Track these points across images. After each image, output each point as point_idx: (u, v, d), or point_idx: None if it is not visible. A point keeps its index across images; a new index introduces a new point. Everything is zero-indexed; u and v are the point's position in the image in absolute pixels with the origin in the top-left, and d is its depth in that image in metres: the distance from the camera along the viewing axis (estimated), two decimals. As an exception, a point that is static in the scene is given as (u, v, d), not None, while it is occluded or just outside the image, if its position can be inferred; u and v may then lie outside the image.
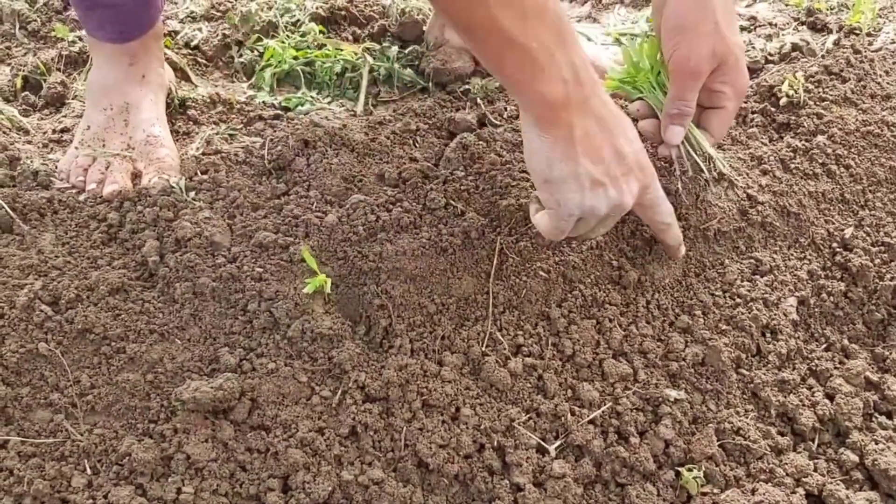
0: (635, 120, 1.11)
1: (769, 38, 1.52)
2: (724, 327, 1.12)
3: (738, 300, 1.15)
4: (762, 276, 1.17)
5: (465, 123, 1.32)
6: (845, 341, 1.16)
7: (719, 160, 1.14)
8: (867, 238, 1.21)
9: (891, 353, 1.14)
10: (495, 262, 1.13)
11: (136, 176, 1.26)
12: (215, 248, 1.12)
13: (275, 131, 1.31)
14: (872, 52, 1.43)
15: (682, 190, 1.15)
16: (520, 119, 1.05)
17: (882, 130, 1.27)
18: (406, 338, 1.09)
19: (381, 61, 1.52)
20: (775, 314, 1.14)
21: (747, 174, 1.23)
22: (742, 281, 1.17)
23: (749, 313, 1.13)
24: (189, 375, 1.03)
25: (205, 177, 1.22)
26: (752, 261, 1.18)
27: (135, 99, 1.32)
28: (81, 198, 1.21)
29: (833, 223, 1.22)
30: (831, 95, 1.32)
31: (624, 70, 1.16)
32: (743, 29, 1.62)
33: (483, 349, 1.09)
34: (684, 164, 1.14)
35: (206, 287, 1.08)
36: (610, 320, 1.12)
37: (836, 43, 1.45)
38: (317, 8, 1.64)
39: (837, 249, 1.20)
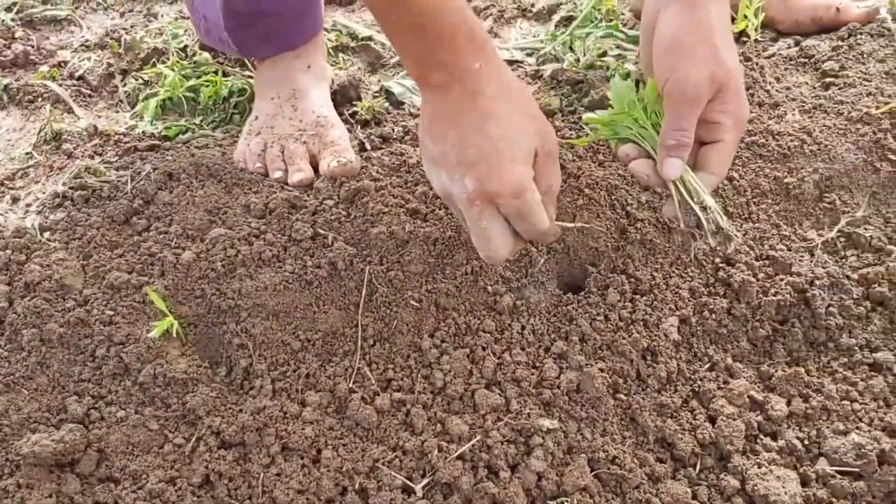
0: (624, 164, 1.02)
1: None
2: (602, 352, 1.09)
3: (620, 323, 1.12)
4: (642, 296, 1.13)
5: (341, 149, 1.28)
6: (729, 360, 1.12)
7: (717, 211, 0.98)
8: (751, 252, 1.18)
9: (776, 371, 1.11)
10: (364, 293, 1.09)
11: (313, 159, 1.26)
12: (66, 291, 1.07)
13: (144, 163, 1.27)
14: (765, 58, 1.40)
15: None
16: None
17: (767, 140, 1.24)
18: (267, 378, 1.04)
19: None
20: (655, 335, 1.11)
21: (627, 190, 1.20)
22: (623, 302, 1.13)
23: (629, 336, 1.10)
24: (35, 427, 0.98)
25: (63, 215, 1.17)
26: (633, 280, 1.15)
27: (302, 85, 1.33)
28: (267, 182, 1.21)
29: (716, 238, 1.19)
30: (716, 106, 1.29)
31: (608, 112, 1.05)
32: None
33: (350, 386, 1.04)
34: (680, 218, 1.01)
35: (54, 333, 1.03)
36: (483, 348, 1.08)
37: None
38: (205, 32, 1.59)
39: (720, 265, 1.17)
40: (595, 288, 1.14)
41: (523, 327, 1.10)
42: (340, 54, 1.62)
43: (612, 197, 1.19)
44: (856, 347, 1.12)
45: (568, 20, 1.69)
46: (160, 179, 1.19)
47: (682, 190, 0.98)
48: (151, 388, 1.01)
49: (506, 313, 1.11)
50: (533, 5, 1.78)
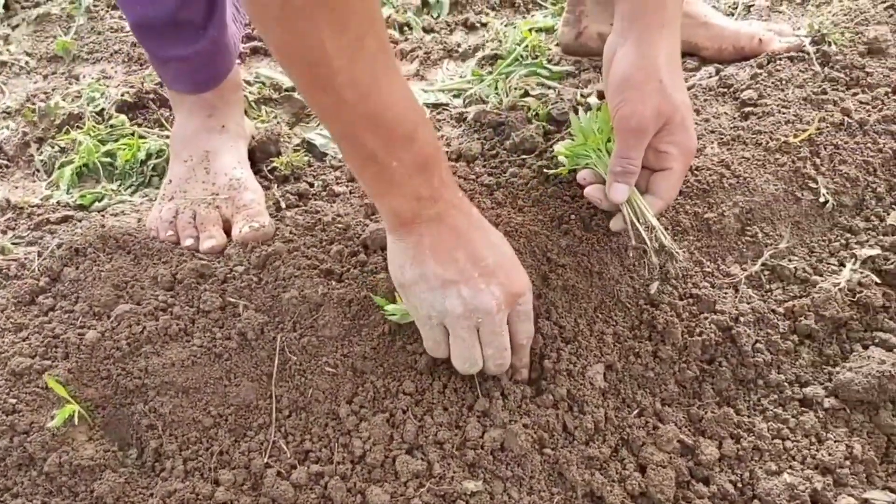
0: (581, 188, 1.11)
1: (585, 83, 1.48)
2: (527, 406, 1.06)
3: (544, 374, 1.09)
4: (567, 344, 1.11)
5: (256, 210, 1.25)
6: (658, 404, 1.10)
7: (660, 231, 1.07)
8: (674, 292, 1.16)
9: (706, 413, 1.08)
10: (276, 362, 1.06)
11: (226, 223, 1.22)
12: (-35, 381, 1.02)
13: (53, 238, 1.23)
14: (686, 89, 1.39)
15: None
16: None
17: (686, 176, 1.22)
18: (179, 458, 1.00)
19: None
20: (581, 384, 1.08)
21: (546, 236, 1.17)
22: (548, 351, 1.11)
23: (553, 387, 1.07)
24: (-64, 528, 0.94)
25: (-37, 299, 1.13)
26: (557, 328, 1.12)
27: (214, 146, 1.30)
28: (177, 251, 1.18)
29: (638, 279, 1.17)
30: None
31: (570, 143, 1.16)
32: (570, 75, 1.58)
33: (265, 460, 1.01)
34: (629, 235, 1.09)
35: (-48, 427, 0.98)
36: (403, 411, 1.05)
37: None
38: (122, 95, 1.56)
39: (644, 307, 1.15)
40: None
41: (445, 386, 1.07)
42: (263, 107, 1.60)
43: (532, 244, 1.17)
44: (785, 383, 1.11)
45: (494, 58, 1.68)
46: (66, 255, 1.16)
47: (629, 211, 1.07)
48: (58, 477, 0.97)
49: (426, 373, 1.08)
50: (459, 45, 1.77)
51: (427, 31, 1.89)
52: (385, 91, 0.85)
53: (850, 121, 1.27)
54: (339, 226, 1.19)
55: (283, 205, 1.27)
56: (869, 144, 1.26)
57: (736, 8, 1.69)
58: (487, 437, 1.02)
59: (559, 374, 1.08)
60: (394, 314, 1.05)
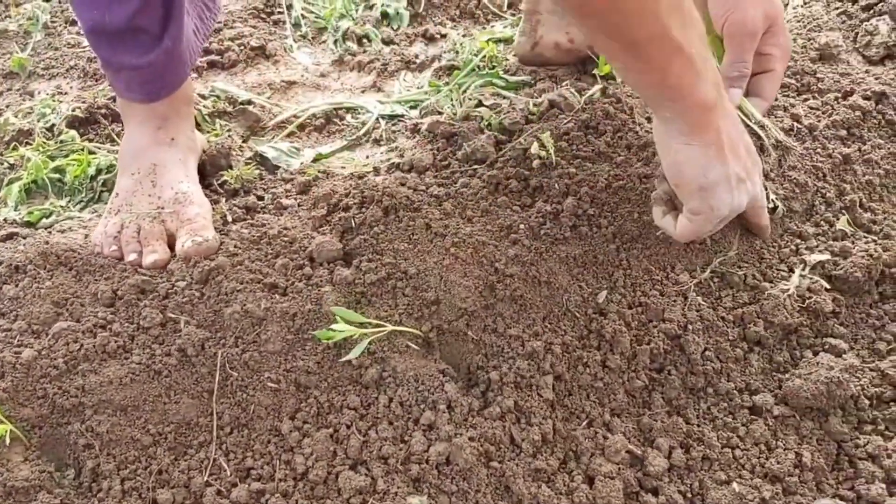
0: None
1: (539, 93, 1.48)
2: (473, 419, 1.04)
3: (490, 385, 1.08)
4: (515, 356, 1.09)
5: (202, 224, 1.23)
6: (607, 415, 1.08)
7: (774, 128, 1.15)
8: (623, 300, 1.15)
9: (656, 422, 1.07)
10: (217, 378, 1.04)
11: (171, 238, 1.21)
12: None
13: (-6, 257, 1.21)
14: (636, 98, 1.39)
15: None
16: (657, 135, 1.06)
17: (635, 184, 1.22)
18: (116, 478, 0.98)
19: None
20: (528, 396, 1.07)
21: (495, 246, 1.16)
22: (495, 363, 1.09)
23: (500, 399, 1.06)
24: None
25: None
26: (505, 339, 1.11)
27: (162, 159, 1.28)
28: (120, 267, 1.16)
29: (587, 288, 1.16)
30: (584, 152, 1.27)
31: None
32: (526, 85, 1.58)
33: (206, 479, 0.99)
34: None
35: None
36: (347, 426, 1.03)
37: (604, 92, 1.41)
38: (73, 110, 1.54)
39: (593, 316, 1.14)
40: (464, 352, 1.10)
41: (390, 399, 1.06)
42: (218, 120, 1.58)
43: (480, 254, 1.16)
44: (735, 391, 1.10)
45: (450, 69, 1.67)
46: (5, 273, 1.14)
47: (741, 114, 1.10)
48: (-10, 501, 0.95)
49: (371, 386, 1.06)
50: (417, 56, 1.77)
51: (387, 42, 1.88)
52: None
53: (799, 126, 1.27)
54: (285, 239, 1.17)
55: (230, 218, 1.25)
56: (819, 150, 1.26)
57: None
58: (433, 451, 1.00)
59: (506, 385, 1.07)
60: (331, 336, 1.03)
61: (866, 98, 1.32)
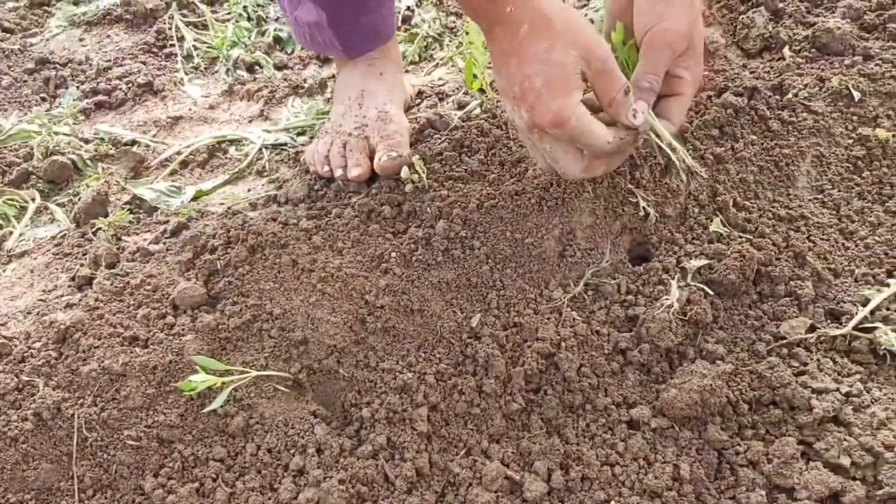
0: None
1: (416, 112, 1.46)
2: (344, 459, 1.02)
3: (363, 423, 1.05)
4: (388, 390, 1.07)
5: (66, 278, 1.20)
6: (485, 442, 1.06)
7: (683, 152, 1.09)
8: (497, 322, 1.13)
9: (534, 445, 1.05)
10: (76, 440, 1.01)
11: (373, 152, 1.30)
12: None
13: None
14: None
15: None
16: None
17: (507, 202, 1.20)
18: (-29, 555, 0.95)
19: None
20: (401, 430, 1.04)
21: (365, 277, 1.14)
22: (368, 399, 1.07)
23: (373, 436, 1.03)
24: None
25: None
26: (377, 374, 1.09)
27: (370, 87, 1.40)
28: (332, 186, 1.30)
29: (461, 312, 1.14)
30: (457, 172, 1.25)
31: None
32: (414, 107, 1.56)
33: (66, 547, 0.95)
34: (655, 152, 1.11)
35: None
36: (213, 479, 1.00)
37: (481, 106, 1.39)
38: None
39: (468, 340, 1.12)
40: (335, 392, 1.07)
41: (258, 447, 1.03)
42: (100, 164, 1.54)
43: (349, 287, 1.13)
44: (612, 406, 1.08)
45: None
46: None
47: (651, 134, 1.06)
48: None
49: (238, 435, 1.04)
50: (305, 81, 1.74)
51: (280, 68, 1.85)
52: None
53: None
54: (148, 287, 1.14)
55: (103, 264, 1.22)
56: (690, 151, 1.25)
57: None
58: (302, 498, 0.98)
59: (378, 422, 1.04)
60: (192, 386, 1.01)
61: (738, 94, 1.31)
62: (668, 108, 1.08)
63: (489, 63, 1.30)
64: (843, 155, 1.28)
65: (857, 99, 1.29)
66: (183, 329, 1.09)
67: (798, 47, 1.45)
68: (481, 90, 1.42)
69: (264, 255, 1.15)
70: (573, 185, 1.19)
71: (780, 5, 1.53)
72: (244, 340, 1.09)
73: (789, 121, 1.29)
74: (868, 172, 1.27)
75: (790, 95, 1.33)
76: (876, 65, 1.36)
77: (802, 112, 1.31)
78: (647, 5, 1.05)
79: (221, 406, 1.04)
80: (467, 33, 1.39)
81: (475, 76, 1.37)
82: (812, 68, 1.39)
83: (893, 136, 1.29)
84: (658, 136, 1.06)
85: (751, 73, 1.39)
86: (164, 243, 1.25)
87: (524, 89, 0.99)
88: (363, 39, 1.40)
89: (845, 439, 1.00)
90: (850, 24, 1.42)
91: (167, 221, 1.34)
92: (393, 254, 1.17)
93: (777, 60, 1.44)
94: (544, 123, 0.99)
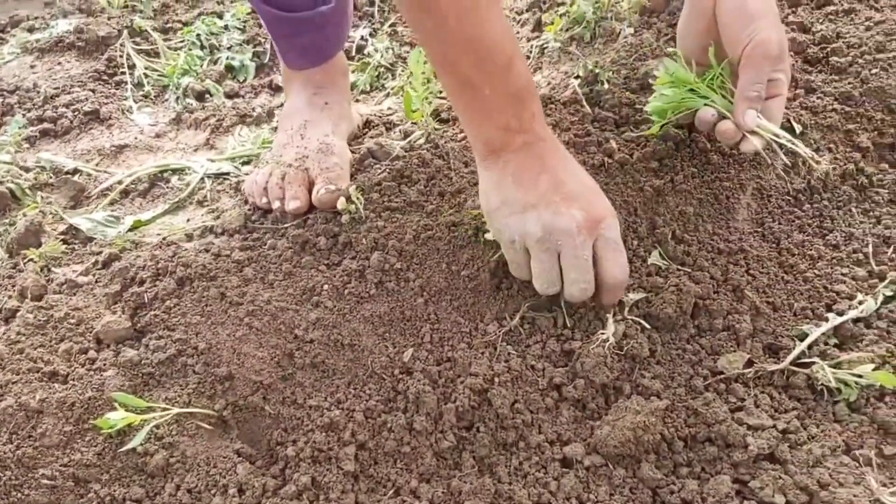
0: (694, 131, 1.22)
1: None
2: (267, 500, 0.98)
3: (288, 462, 1.02)
4: (314, 428, 1.04)
5: None
6: (414, 482, 1.03)
7: (800, 144, 1.14)
8: (430, 356, 1.11)
9: (465, 484, 1.02)
10: (-14, 481, 0.97)
11: (312, 186, 1.28)
12: None
13: None
14: (457, 142, 1.36)
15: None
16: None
17: (444, 233, 1.18)
18: None
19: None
20: (326, 470, 1.01)
21: (296, 311, 1.11)
22: (294, 437, 1.04)
23: (297, 476, 1.00)
24: None
25: None
26: (304, 411, 1.06)
27: (314, 118, 1.40)
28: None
29: (394, 347, 1.12)
30: (395, 202, 1.23)
31: (672, 86, 1.20)
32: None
33: None
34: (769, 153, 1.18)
35: None
36: (129, 521, 0.96)
37: (427, 136, 1.37)
38: None
39: (399, 376, 1.09)
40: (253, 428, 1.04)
41: (178, 487, 0.99)
42: (39, 193, 1.51)
43: (278, 321, 1.11)
44: (546, 443, 1.05)
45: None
46: None
47: (765, 134, 1.12)
48: None
49: (158, 475, 1.00)
50: (254, 110, 1.72)
51: (231, 96, 1.84)
52: (485, 18, 0.94)
53: (610, 162, 1.25)
54: (73, 321, 1.11)
55: (28, 297, 1.19)
56: (630, 184, 1.24)
57: (531, 52, 1.68)
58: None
59: (303, 461, 1.01)
60: (111, 424, 0.97)
61: (678, 127, 1.30)
62: (768, 108, 1.14)
63: (428, 94, 1.29)
64: (783, 188, 1.28)
65: (798, 132, 1.28)
66: (105, 364, 1.05)
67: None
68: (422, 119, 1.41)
69: (192, 288, 1.13)
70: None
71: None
72: (168, 376, 1.06)
73: (730, 153, 1.28)
74: (808, 205, 1.27)
75: (732, 128, 1.33)
76: (818, 98, 1.36)
77: (744, 144, 1.30)
78: (738, 22, 1.11)
79: (141, 444, 1.00)
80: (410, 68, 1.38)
81: (414, 110, 1.35)
82: (755, 101, 1.38)
83: (834, 169, 1.28)
84: (776, 135, 1.12)
85: (694, 105, 1.38)
86: (94, 275, 1.22)
87: (580, 188, 1.05)
88: (300, 57, 1.42)
89: (780, 477, 0.98)
90: (793, 58, 1.42)
91: (100, 252, 1.30)
92: (325, 286, 1.15)
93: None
94: (606, 213, 1.05)
